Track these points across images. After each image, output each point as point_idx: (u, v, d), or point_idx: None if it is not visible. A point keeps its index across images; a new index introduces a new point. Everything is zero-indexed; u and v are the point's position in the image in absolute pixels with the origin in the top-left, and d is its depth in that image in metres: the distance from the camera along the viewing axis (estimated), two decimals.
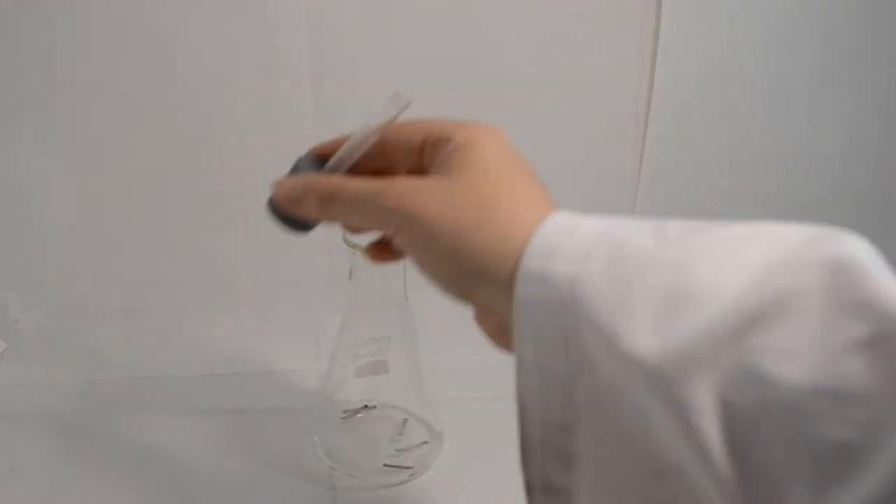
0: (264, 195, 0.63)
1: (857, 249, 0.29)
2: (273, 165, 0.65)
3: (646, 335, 0.29)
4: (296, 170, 0.42)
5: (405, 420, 0.53)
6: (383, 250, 0.43)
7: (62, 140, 0.63)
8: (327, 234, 0.66)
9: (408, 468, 0.51)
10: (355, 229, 0.43)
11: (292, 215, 0.40)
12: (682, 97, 0.68)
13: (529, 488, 0.34)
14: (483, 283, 0.33)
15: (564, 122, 0.68)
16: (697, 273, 0.30)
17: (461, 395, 0.60)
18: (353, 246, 0.47)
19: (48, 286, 0.65)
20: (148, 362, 0.63)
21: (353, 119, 0.66)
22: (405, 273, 0.50)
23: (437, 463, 0.52)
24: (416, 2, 0.63)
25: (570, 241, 0.32)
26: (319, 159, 0.42)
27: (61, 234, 0.65)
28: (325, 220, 0.40)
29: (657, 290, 0.30)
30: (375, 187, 0.36)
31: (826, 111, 0.70)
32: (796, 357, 0.27)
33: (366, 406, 0.54)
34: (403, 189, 0.35)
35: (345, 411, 0.53)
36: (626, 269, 0.31)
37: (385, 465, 0.50)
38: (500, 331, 0.37)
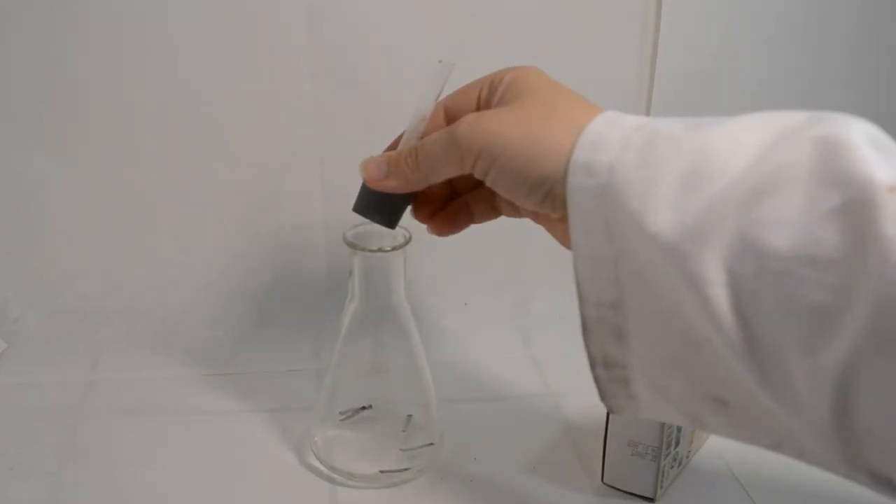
0: (263, 194, 0.64)
1: (851, 128, 0.30)
2: (273, 166, 0.65)
3: (665, 215, 0.32)
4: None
5: (409, 416, 0.53)
6: (449, 219, 0.45)
7: (62, 140, 0.63)
8: (327, 234, 0.66)
9: (404, 470, 0.51)
10: (436, 196, 0.45)
11: (382, 201, 0.43)
12: (682, 97, 0.68)
13: (592, 363, 0.37)
14: (557, 183, 0.36)
15: None
16: (715, 153, 0.32)
17: (461, 395, 0.60)
18: (353, 245, 0.47)
19: (48, 286, 0.65)
20: (148, 362, 0.63)
21: (353, 119, 0.66)
22: (405, 273, 0.50)
23: (437, 463, 0.52)
24: (416, 1, 0.63)
25: (612, 133, 0.35)
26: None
27: (61, 234, 0.65)
28: (414, 183, 0.42)
29: (679, 172, 0.32)
30: (449, 128, 0.39)
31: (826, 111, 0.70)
32: (785, 227, 0.29)
33: (364, 407, 0.53)
34: (473, 118, 0.38)
35: (342, 412, 0.53)
36: (654, 155, 0.33)
37: (381, 471, 0.50)
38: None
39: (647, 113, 0.68)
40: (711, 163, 0.32)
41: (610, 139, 0.34)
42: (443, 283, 0.68)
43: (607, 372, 0.37)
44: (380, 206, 0.43)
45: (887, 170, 0.28)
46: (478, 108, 0.42)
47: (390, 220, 0.44)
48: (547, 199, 0.36)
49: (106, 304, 0.66)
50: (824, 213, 0.29)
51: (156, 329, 0.65)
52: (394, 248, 0.48)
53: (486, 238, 0.68)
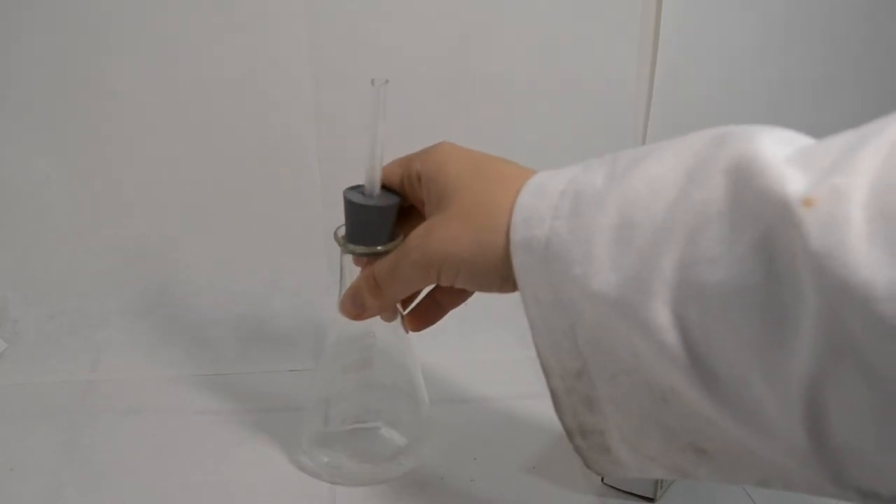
0: (263, 194, 0.64)
1: (755, 144, 0.30)
2: (273, 165, 0.65)
3: (607, 272, 0.32)
4: (349, 206, 0.45)
5: (391, 395, 0.52)
6: (421, 316, 0.48)
7: (62, 140, 0.63)
8: (326, 233, 0.66)
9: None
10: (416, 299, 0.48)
11: (367, 229, 0.44)
12: (682, 97, 0.68)
13: (570, 435, 0.38)
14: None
15: (564, 122, 0.68)
16: (638, 200, 0.33)
17: (460, 396, 0.60)
18: (343, 245, 0.46)
19: (48, 286, 0.65)
20: (148, 362, 0.63)
21: (353, 119, 0.66)
22: None
23: (437, 463, 0.52)
24: (417, 1, 0.63)
25: (542, 203, 0.35)
26: (357, 187, 0.45)
27: (61, 233, 0.65)
28: (388, 305, 0.45)
29: (610, 228, 0.33)
30: (399, 253, 0.41)
31: (827, 112, 0.70)
32: (717, 263, 0.30)
33: (357, 412, 0.53)
34: (420, 240, 0.40)
35: (333, 413, 0.53)
36: (583, 218, 0.34)
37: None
38: None
39: (648, 113, 0.68)
40: (637, 211, 0.32)
41: (541, 210, 0.35)
42: None
43: (586, 441, 0.37)
44: (367, 234, 0.45)
45: (799, 180, 0.28)
46: (401, 190, 0.44)
47: (383, 238, 0.45)
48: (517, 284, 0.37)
49: (106, 304, 0.66)
50: (750, 243, 0.29)
51: (156, 329, 0.65)
52: (385, 247, 0.47)
53: None
